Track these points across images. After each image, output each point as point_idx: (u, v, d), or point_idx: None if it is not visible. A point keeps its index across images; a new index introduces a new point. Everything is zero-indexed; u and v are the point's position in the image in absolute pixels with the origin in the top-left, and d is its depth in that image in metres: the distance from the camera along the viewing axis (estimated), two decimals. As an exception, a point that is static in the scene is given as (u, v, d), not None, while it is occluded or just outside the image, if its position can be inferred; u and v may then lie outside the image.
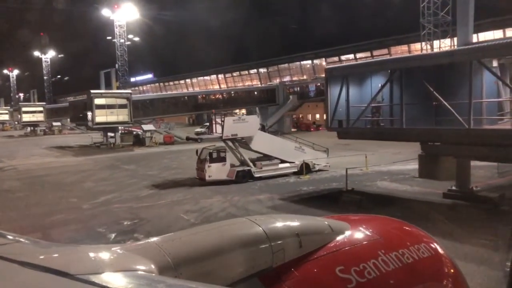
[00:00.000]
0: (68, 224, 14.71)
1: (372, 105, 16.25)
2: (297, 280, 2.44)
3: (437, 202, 15.53)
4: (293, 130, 58.74)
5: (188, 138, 47.06)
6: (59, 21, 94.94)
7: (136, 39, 60.52)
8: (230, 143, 22.15)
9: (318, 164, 23.96)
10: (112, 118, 42.98)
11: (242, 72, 79.65)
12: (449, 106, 13.66)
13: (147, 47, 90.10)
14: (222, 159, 21.33)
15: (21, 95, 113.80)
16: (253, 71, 77.55)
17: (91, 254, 2.07)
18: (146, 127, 46.77)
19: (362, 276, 2.49)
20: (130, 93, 45.42)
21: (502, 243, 9.93)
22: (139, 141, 45.89)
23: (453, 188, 16.09)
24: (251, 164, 22.07)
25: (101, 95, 43.23)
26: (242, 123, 21.49)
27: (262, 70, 76.05)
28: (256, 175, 21.87)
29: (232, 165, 22.07)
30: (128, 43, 57.60)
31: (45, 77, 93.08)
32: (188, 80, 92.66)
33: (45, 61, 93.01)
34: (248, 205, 16.68)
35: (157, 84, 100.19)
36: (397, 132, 15.50)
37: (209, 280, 2.05)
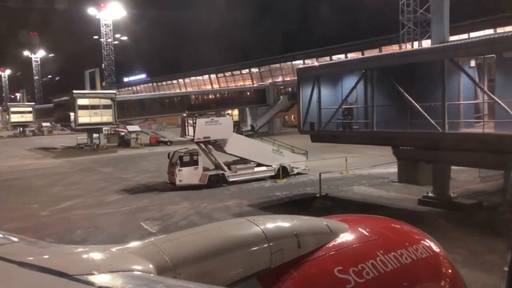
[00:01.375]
0: (17, 234, 13.81)
1: (344, 107, 15.43)
2: (295, 280, 2.44)
3: (410, 209, 14.70)
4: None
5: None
6: (52, 21, 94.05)
7: (124, 38, 59.60)
8: (203, 146, 21.33)
9: (297, 168, 23.13)
10: (96, 119, 41.95)
11: (234, 72, 78.77)
12: (420, 108, 12.85)
13: (140, 47, 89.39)
14: (194, 163, 20.47)
15: (18, 95, 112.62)
16: (245, 71, 76.69)
17: (90, 255, 2.06)
18: (131, 128, 45.85)
19: (360, 277, 2.49)
20: (115, 93, 44.46)
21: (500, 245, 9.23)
22: (124, 142, 44.98)
23: (429, 194, 15.27)
24: (225, 167, 21.21)
25: (84, 96, 42.25)
26: (215, 125, 20.60)
27: (254, 70, 75.20)
28: (231, 179, 21.02)
29: (206, 169, 21.22)
30: (116, 42, 56.65)
31: (35, 77, 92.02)
32: (181, 80, 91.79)
33: (35, 60, 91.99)
34: (213, 212, 15.84)
35: (151, 84, 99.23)
36: (368, 136, 14.67)
37: (207, 281, 2.05)
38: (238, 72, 77.99)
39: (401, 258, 2.76)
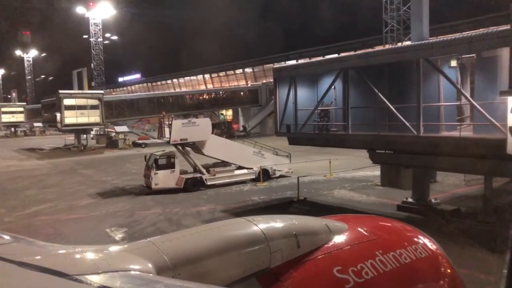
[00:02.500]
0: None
1: (320, 108, 14.77)
2: (294, 280, 2.44)
3: (387, 215, 13.98)
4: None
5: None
6: (44, 21, 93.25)
7: (115, 37, 58.88)
8: (181, 148, 20.65)
9: (279, 170, 22.47)
10: (82, 119, 41.20)
11: (228, 72, 77.97)
12: (394, 110, 12.21)
13: (135, 47, 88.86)
14: (171, 166, 19.79)
15: (14, 94, 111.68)
16: (239, 71, 75.89)
17: (89, 255, 2.06)
18: (119, 128, 45.09)
19: (359, 276, 2.50)
20: (102, 94, 43.63)
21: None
22: (112, 143, 44.25)
23: (408, 199, 14.60)
24: (203, 170, 20.53)
25: (70, 96, 41.46)
26: (193, 126, 19.91)
27: (248, 70, 74.40)
28: (209, 182, 20.33)
29: (185, 172, 20.54)
30: (107, 42, 55.91)
31: (27, 77, 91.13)
32: (175, 80, 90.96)
33: (27, 60, 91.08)
34: (183, 218, 15.17)
35: (145, 84, 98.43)
36: (343, 139, 14.01)
37: (207, 281, 2.07)
38: (232, 72, 77.18)
39: (400, 258, 2.75)
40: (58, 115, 40.60)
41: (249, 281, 2.29)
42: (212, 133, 21.77)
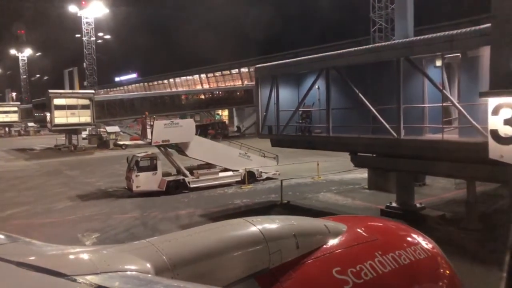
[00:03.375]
0: None
1: (301, 109, 14.25)
2: (294, 281, 2.45)
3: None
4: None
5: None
6: (39, 19, 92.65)
7: (108, 37, 58.26)
8: (163, 150, 20.13)
9: (266, 172, 21.95)
10: (73, 119, 40.62)
11: (224, 72, 77.40)
12: (374, 111, 11.69)
13: (131, 47, 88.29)
14: (153, 168, 19.24)
15: (14, 94, 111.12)
16: (235, 71, 75.34)
17: (88, 255, 2.05)
18: (110, 128, 44.54)
19: (358, 277, 2.51)
20: (93, 93, 43.06)
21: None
22: (103, 143, 43.70)
23: (392, 204, 14.09)
24: (187, 173, 19.99)
25: (60, 95, 40.83)
26: (175, 127, 19.38)
27: (244, 70, 73.84)
28: (192, 185, 19.78)
29: (168, 174, 20.01)
30: (100, 41, 55.33)
31: (22, 76, 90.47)
32: (171, 80, 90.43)
33: (22, 59, 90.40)
34: (160, 223, 14.63)
35: (142, 84, 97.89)
36: (325, 141, 13.49)
37: (206, 281, 2.05)
38: (228, 72, 76.63)
39: (399, 259, 2.75)
40: (48, 115, 40.03)
41: (248, 282, 2.28)
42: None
